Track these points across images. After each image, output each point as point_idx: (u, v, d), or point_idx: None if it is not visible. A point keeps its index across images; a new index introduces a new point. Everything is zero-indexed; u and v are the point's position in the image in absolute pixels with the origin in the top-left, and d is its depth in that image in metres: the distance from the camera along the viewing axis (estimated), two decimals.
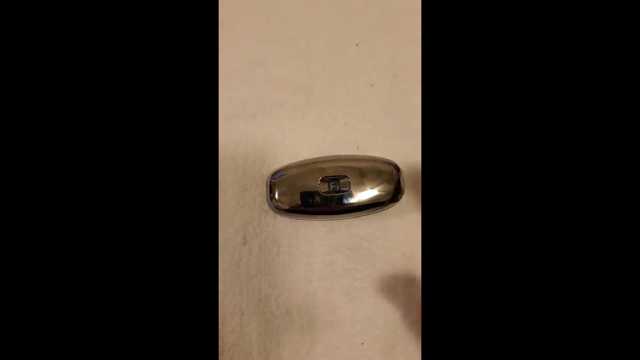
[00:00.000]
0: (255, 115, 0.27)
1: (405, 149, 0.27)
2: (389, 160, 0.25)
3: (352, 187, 0.24)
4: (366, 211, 0.25)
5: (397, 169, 0.25)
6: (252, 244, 0.26)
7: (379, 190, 0.24)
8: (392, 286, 0.26)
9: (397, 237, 0.26)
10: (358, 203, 0.24)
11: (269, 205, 0.25)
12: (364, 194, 0.24)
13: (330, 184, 0.24)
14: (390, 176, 0.25)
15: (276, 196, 0.25)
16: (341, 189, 0.24)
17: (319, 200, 0.24)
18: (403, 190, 0.25)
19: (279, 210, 0.25)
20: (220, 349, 0.25)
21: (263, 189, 0.27)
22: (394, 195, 0.25)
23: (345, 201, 0.24)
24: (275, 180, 0.25)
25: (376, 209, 0.25)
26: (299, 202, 0.24)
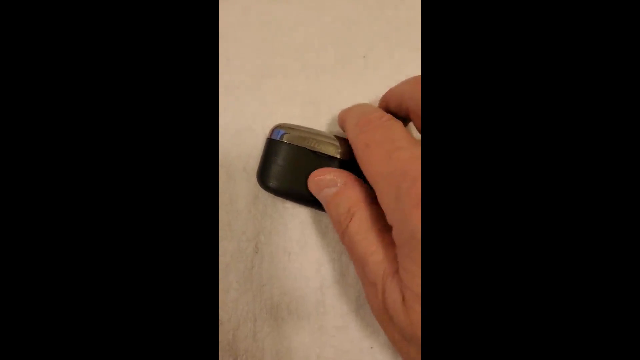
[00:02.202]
0: (265, 128, 0.28)
1: None
2: None
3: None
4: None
5: None
6: (264, 252, 0.27)
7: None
8: None
9: None
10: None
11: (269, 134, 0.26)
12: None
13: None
14: None
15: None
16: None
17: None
18: None
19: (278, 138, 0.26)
20: (234, 355, 0.26)
21: (274, 198, 0.27)
22: None
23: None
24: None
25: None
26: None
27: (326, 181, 0.24)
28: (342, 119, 0.26)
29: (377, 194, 0.20)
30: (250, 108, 0.28)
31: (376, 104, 0.27)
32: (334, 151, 0.25)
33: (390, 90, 0.25)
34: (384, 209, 0.20)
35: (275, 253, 0.27)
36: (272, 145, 0.26)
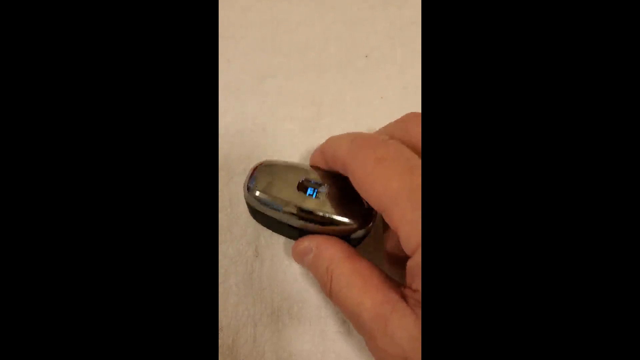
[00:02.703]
0: (265, 129, 0.27)
1: None
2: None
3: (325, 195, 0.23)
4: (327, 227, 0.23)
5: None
6: (264, 255, 0.27)
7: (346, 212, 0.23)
8: None
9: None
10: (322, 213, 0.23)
11: (245, 195, 0.24)
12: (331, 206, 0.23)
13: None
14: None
15: (257, 186, 0.23)
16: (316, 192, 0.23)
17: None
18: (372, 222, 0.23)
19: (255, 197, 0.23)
20: None
21: None
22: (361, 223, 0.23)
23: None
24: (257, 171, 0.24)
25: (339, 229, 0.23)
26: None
27: (304, 249, 0.24)
28: (324, 150, 0.23)
29: (393, 216, 0.18)
30: (250, 109, 0.28)
31: (378, 104, 0.27)
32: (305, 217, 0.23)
33: (326, 144, 0.23)
34: (401, 232, 0.18)
35: (276, 257, 0.27)
36: (248, 202, 0.24)
